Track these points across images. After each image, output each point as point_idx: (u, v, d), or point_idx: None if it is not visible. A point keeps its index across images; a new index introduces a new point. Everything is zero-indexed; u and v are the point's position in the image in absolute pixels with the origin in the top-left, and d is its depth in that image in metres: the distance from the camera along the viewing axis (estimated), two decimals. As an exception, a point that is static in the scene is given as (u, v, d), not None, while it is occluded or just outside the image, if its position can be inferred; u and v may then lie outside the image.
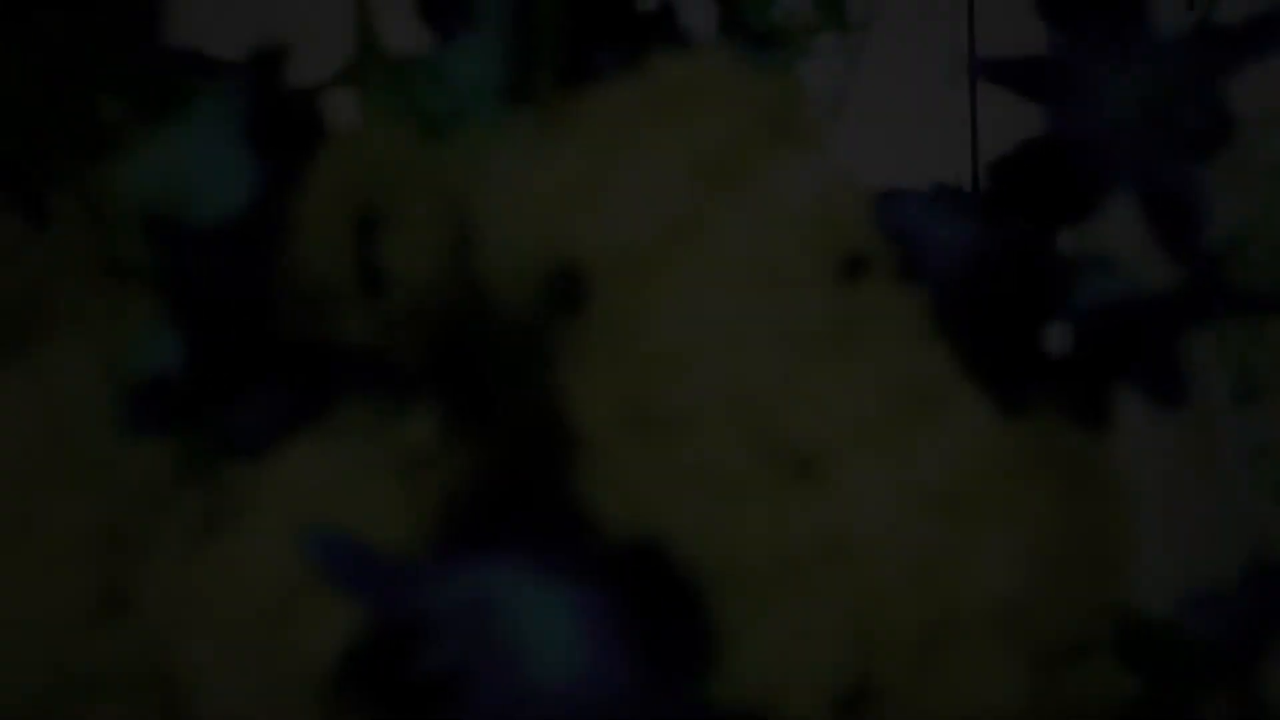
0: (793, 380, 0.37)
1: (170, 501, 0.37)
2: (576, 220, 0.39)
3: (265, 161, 0.34)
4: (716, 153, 0.39)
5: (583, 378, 0.37)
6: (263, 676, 0.37)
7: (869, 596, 0.36)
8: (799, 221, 0.38)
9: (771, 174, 0.39)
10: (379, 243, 0.41)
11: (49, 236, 0.43)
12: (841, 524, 0.36)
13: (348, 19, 0.43)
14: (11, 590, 0.39)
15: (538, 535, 0.35)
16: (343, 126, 0.43)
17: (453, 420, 0.37)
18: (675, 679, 0.34)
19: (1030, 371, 0.38)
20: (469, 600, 0.34)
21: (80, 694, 0.39)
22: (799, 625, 0.36)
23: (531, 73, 0.40)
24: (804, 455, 0.37)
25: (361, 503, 0.37)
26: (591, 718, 0.34)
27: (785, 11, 0.43)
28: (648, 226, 0.38)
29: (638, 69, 0.41)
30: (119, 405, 0.37)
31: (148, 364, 0.36)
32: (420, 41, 0.45)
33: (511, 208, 0.39)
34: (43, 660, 0.39)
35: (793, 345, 0.37)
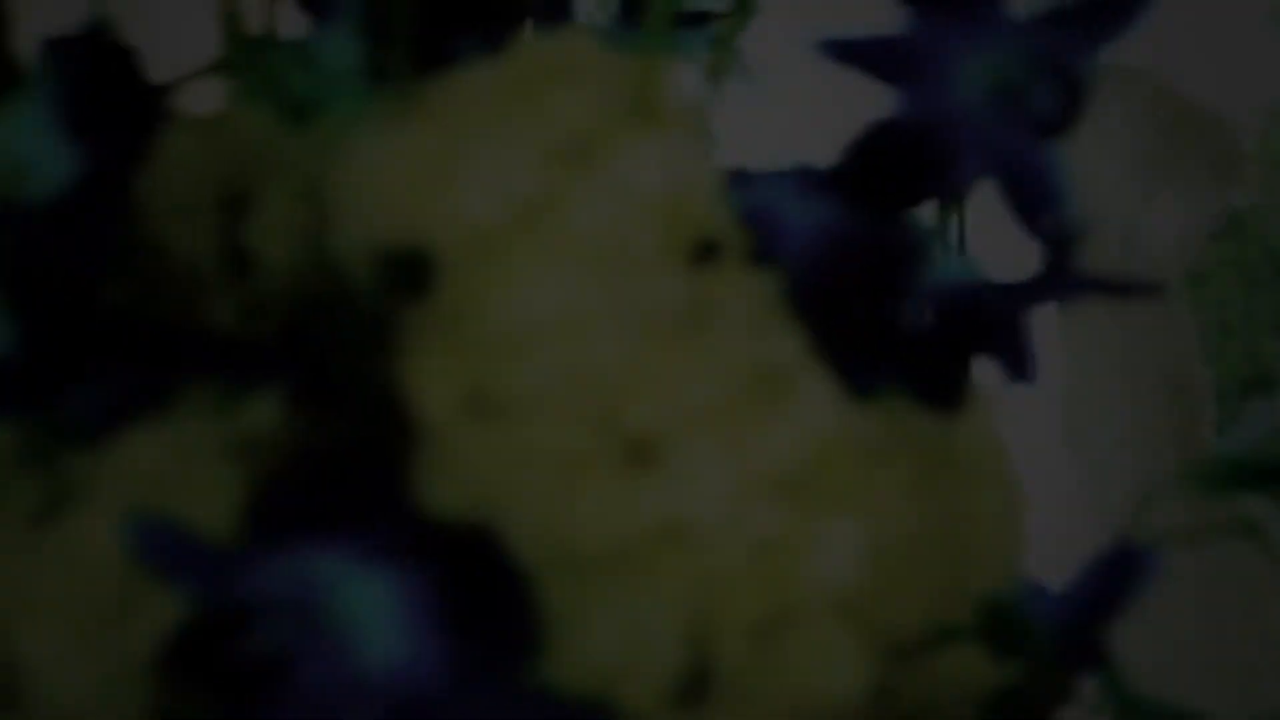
0: (636, 365, 0.37)
1: (6, 487, 0.37)
2: (428, 203, 0.38)
3: (88, 141, 0.34)
4: (570, 135, 0.39)
5: (424, 361, 0.37)
6: (101, 664, 0.37)
7: (708, 583, 0.36)
8: (649, 204, 0.38)
9: (624, 157, 0.38)
10: (243, 226, 0.41)
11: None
12: (680, 510, 0.36)
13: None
14: None
15: (366, 520, 0.34)
16: (208, 109, 0.43)
17: (296, 404, 0.37)
18: (500, 665, 0.34)
19: (882, 355, 0.38)
20: (294, 585, 0.34)
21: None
22: (637, 612, 0.36)
23: (389, 56, 0.40)
24: (644, 440, 0.36)
25: (199, 488, 0.37)
26: (415, 703, 0.33)
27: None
28: (496, 209, 0.38)
29: (500, 52, 0.40)
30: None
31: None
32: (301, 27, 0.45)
33: (366, 191, 0.39)
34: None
35: (638, 329, 0.37)
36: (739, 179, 0.39)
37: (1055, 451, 1.85)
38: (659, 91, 0.40)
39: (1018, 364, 0.39)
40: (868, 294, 0.38)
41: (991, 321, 0.38)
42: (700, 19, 0.44)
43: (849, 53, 0.37)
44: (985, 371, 0.39)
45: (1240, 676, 1.75)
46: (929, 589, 0.39)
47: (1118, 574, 0.37)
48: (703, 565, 0.36)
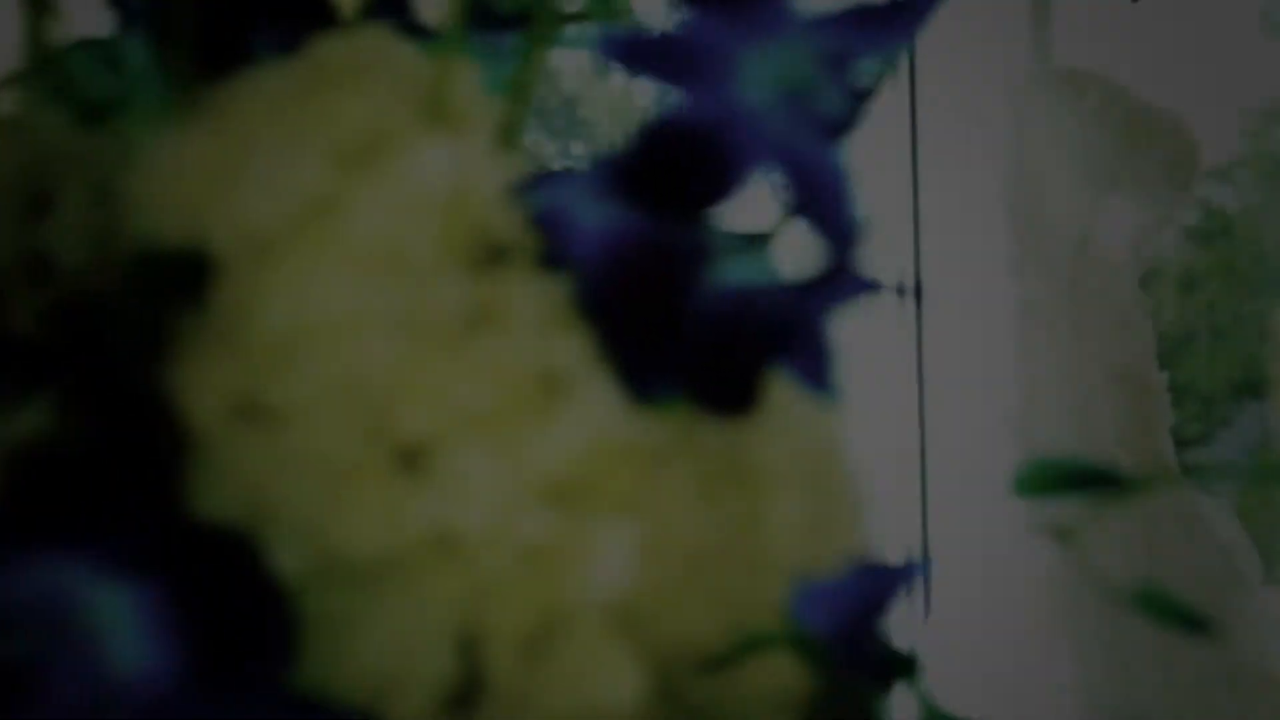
0: (409, 370, 0.36)
1: None
2: (210, 205, 0.38)
3: None
4: (357, 136, 0.38)
5: (197, 365, 0.36)
6: None
7: (477, 592, 0.36)
8: (432, 207, 0.38)
9: (407, 158, 0.38)
10: (41, 230, 0.41)
11: None
12: (448, 518, 0.36)
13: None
14: None
15: (125, 526, 0.34)
16: (6, 113, 0.42)
17: (67, 409, 0.37)
18: (253, 673, 0.33)
19: (669, 359, 0.37)
20: (43, 592, 0.33)
21: None
22: (407, 620, 0.36)
23: (174, 57, 0.40)
24: (414, 446, 0.36)
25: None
26: (164, 710, 0.33)
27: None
28: (276, 211, 0.37)
29: (296, 51, 0.40)
30: None
31: None
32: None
33: (152, 192, 0.39)
34: None
35: (414, 334, 0.37)
36: (532, 180, 0.39)
37: (1006, 453, 1.84)
38: (453, 94, 0.40)
39: (814, 370, 0.38)
40: (654, 297, 0.37)
41: (784, 325, 0.38)
42: (512, 23, 0.44)
43: (628, 52, 0.37)
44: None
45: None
46: (719, 597, 0.38)
47: (873, 587, 0.36)
48: (471, 574, 0.36)
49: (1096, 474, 0.40)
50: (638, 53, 0.37)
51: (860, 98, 0.37)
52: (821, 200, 0.37)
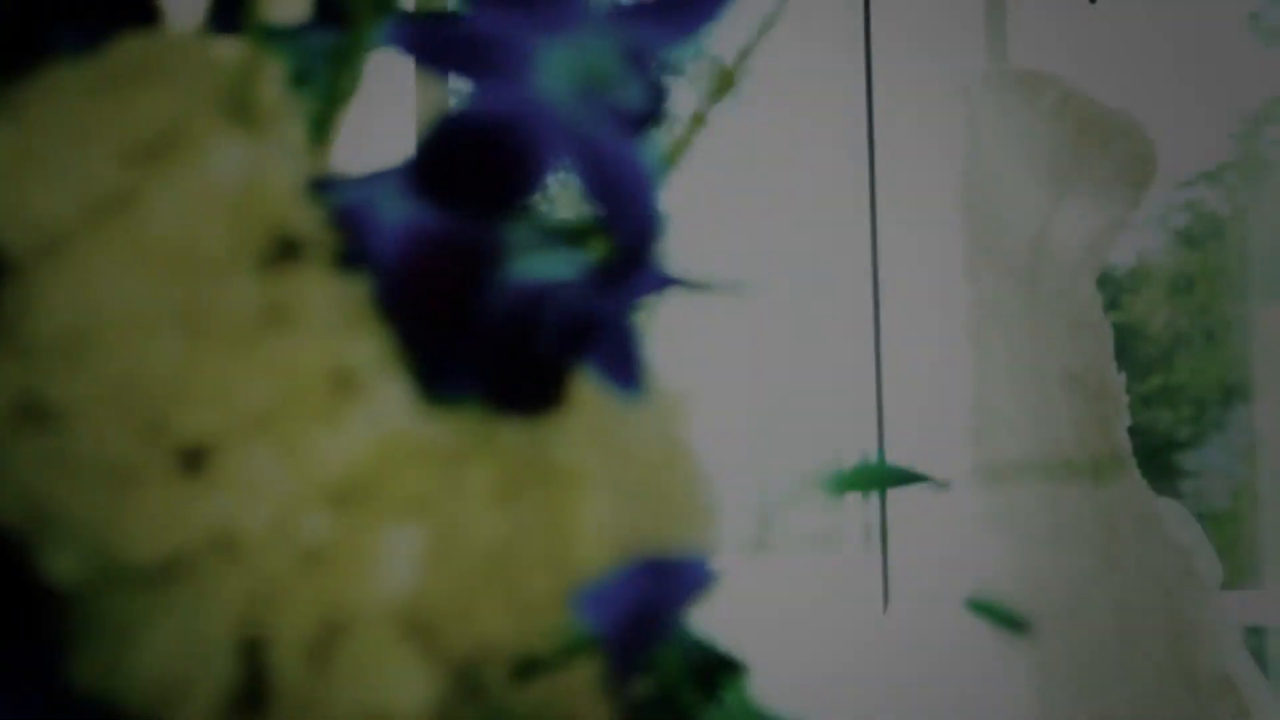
0: (192, 369, 0.36)
1: None
2: (2, 202, 0.37)
3: None
4: (152, 133, 0.38)
5: (-20, 366, 0.36)
6: None
7: (259, 593, 0.35)
8: (226, 204, 0.37)
9: (201, 156, 0.37)
10: None
11: None
12: (231, 518, 0.35)
13: None
14: None
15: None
16: None
17: None
18: (22, 675, 0.33)
19: (466, 359, 0.37)
20: None
21: None
22: (189, 623, 0.35)
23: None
24: (196, 447, 0.35)
25: None
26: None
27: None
28: (68, 207, 0.37)
29: (102, 47, 0.40)
30: None
31: None
32: None
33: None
34: None
35: (200, 332, 0.36)
36: (334, 178, 0.38)
37: (964, 453, 1.83)
38: (255, 92, 0.39)
39: (620, 369, 0.38)
40: (450, 296, 0.37)
41: (586, 323, 0.37)
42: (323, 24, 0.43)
43: (420, 45, 0.36)
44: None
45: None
46: (520, 599, 0.37)
47: (657, 587, 0.35)
48: (254, 576, 0.35)
49: (907, 475, 0.39)
50: (430, 46, 0.36)
51: (661, 91, 0.37)
52: (620, 195, 0.37)
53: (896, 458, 1.91)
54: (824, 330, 2.08)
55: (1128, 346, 3.84)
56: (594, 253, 0.38)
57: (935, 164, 1.91)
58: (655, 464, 0.43)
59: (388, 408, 0.36)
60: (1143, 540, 1.80)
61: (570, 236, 0.38)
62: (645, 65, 0.37)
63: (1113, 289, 3.85)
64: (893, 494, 1.92)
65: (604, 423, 0.40)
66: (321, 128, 0.42)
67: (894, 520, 1.93)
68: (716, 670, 0.41)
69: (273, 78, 0.40)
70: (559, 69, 0.37)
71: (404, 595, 0.35)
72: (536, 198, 0.37)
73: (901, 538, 1.90)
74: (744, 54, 0.46)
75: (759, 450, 1.93)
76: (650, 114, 0.37)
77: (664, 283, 0.37)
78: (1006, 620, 0.40)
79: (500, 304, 0.37)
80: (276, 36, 0.45)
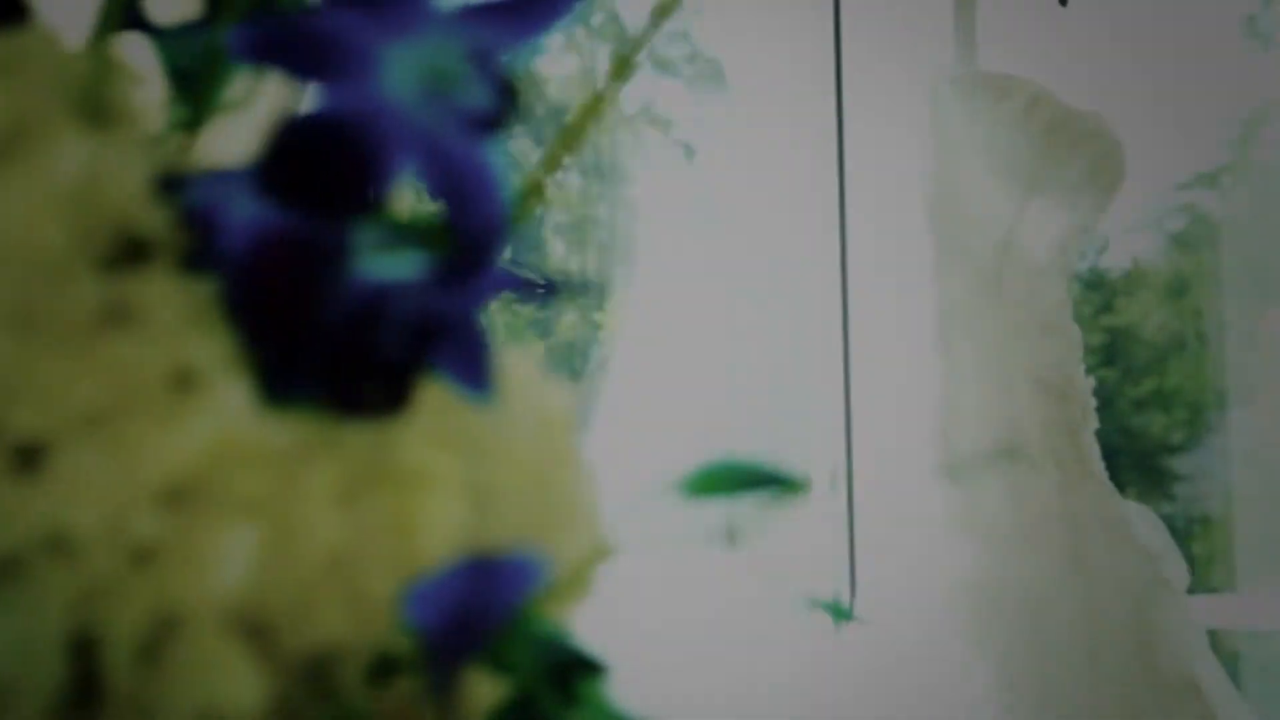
0: (26, 367, 0.36)
1: None
2: None
3: None
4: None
5: None
6: None
7: (91, 592, 0.35)
8: (68, 203, 0.37)
9: (44, 153, 0.37)
10: None
11: None
12: (62, 516, 0.35)
13: None
14: None
15: None
16: None
17: None
18: None
19: (309, 360, 0.37)
20: None
21: None
22: (19, 622, 0.35)
23: None
24: (29, 445, 0.35)
25: None
26: None
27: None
28: (-91, 207, 0.37)
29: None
30: None
31: None
32: None
33: None
34: None
35: (35, 331, 0.36)
36: (184, 178, 0.38)
37: (927, 458, 1.83)
38: (109, 91, 0.39)
39: (468, 369, 0.38)
40: (294, 297, 0.37)
41: (430, 324, 0.37)
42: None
43: (262, 46, 0.36)
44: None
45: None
46: (363, 600, 0.37)
47: (483, 585, 0.35)
48: (85, 575, 0.35)
49: (765, 475, 0.39)
50: (272, 47, 0.36)
51: (508, 91, 0.37)
52: (465, 196, 0.37)
53: (864, 464, 1.91)
54: (791, 332, 2.08)
55: (1122, 350, 3.83)
56: (439, 253, 0.37)
57: (903, 166, 1.90)
58: (533, 467, 0.43)
59: (226, 408, 0.36)
60: (1109, 543, 1.79)
61: (417, 237, 0.38)
62: (492, 66, 0.37)
63: (1107, 292, 3.85)
64: (860, 496, 1.92)
65: (462, 425, 0.40)
66: (190, 127, 0.42)
67: (859, 521, 1.92)
68: (575, 671, 0.41)
69: (130, 76, 0.40)
70: (405, 70, 0.37)
71: (238, 595, 0.35)
72: (383, 198, 0.37)
73: (866, 539, 1.90)
74: (643, 38, 0.46)
75: (726, 451, 1.93)
76: (497, 115, 0.37)
77: (511, 284, 0.37)
78: (840, 614, 0.40)
79: (344, 304, 0.37)
80: (159, 35, 0.46)
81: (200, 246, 0.38)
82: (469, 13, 0.37)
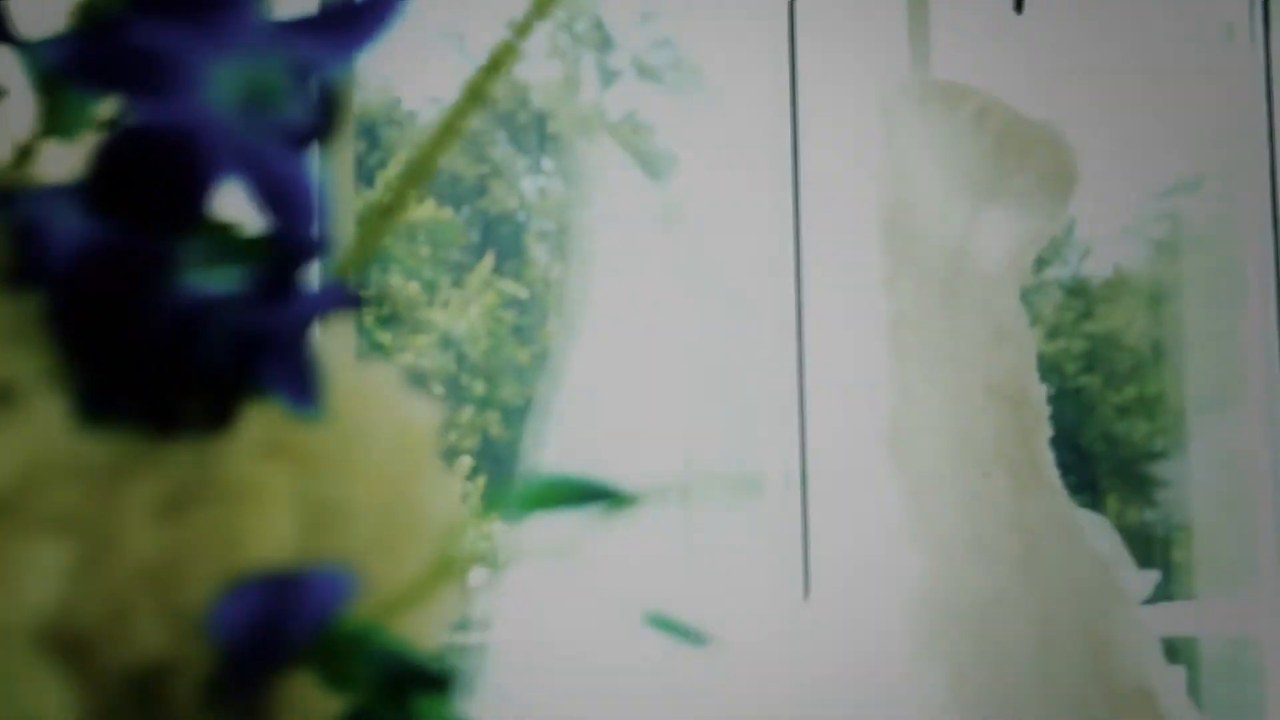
0: None
1: None
2: None
3: None
4: None
5: None
6: None
7: (-101, 609, 0.35)
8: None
9: None
10: None
11: None
12: None
13: None
14: None
15: None
16: None
17: None
18: None
19: (130, 376, 0.37)
20: None
21: None
22: None
23: None
24: None
25: None
26: None
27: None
28: None
29: None
30: None
31: None
32: None
33: None
34: None
35: None
36: (9, 194, 0.38)
37: (885, 466, 1.83)
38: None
39: (293, 385, 0.38)
40: (114, 312, 0.37)
41: (254, 339, 0.37)
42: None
43: (83, 62, 0.36)
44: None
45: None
46: (185, 615, 0.37)
47: (282, 598, 0.35)
48: (-108, 591, 0.35)
49: (594, 490, 0.39)
50: (94, 61, 0.36)
51: (329, 105, 0.37)
52: (286, 210, 0.37)
53: (819, 473, 1.91)
54: (746, 341, 2.08)
55: (1104, 356, 3.83)
56: (260, 267, 0.37)
57: (858, 174, 1.90)
58: (385, 481, 0.43)
59: (41, 423, 0.36)
60: (1062, 551, 1.79)
61: (241, 251, 0.38)
62: (310, 80, 0.37)
63: (1090, 299, 3.85)
64: (813, 503, 1.92)
65: (301, 439, 0.39)
66: (64, 137, 0.42)
67: (813, 529, 1.92)
68: (415, 686, 0.41)
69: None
70: (226, 83, 0.37)
71: (50, 611, 0.35)
72: (205, 212, 0.37)
73: (820, 547, 1.90)
74: (519, 33, 0.46)
75: (682, 459, 1.93)
76: (317, 128, 0.37)
77: (338, 300, 0.37)
78: (685, 634, 0.40)
79: (166, 318, 0.37)
80: (24, 47, 0.46)
81: (24, 262, 0.38)
82: (290, 27, 0.37)
